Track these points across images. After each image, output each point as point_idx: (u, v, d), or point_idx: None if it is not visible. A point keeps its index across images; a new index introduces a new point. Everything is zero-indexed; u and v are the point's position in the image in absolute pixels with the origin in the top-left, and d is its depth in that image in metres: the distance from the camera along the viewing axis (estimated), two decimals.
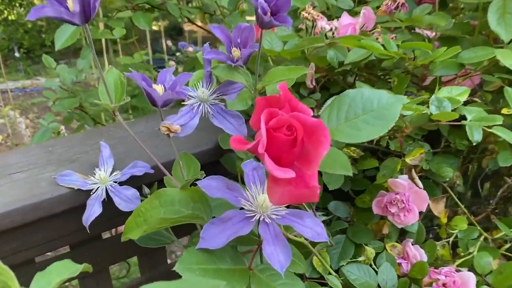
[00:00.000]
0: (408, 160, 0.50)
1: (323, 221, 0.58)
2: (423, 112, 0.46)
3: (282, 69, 0.44)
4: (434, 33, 0.68)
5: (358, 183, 0.64)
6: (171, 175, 0.45)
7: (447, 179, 0.61)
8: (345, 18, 0.66)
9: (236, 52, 0.44)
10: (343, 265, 0.54)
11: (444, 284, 0.48)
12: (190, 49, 4.16)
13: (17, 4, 9.59)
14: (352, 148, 0.59)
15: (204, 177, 0.37)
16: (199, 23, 0.93)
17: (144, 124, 0.69)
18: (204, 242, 0.32)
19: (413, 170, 0.52)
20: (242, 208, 0.35)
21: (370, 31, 0.67)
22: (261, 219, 0.34)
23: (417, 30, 0.70)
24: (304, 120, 0.29)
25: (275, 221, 0.34)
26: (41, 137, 1.18)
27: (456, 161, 0.65)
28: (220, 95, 0.46)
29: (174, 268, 0.30)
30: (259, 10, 0.37)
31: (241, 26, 0.44)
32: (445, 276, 0.48)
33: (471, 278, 0.48)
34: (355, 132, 0.36)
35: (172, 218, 0.33)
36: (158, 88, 0.40)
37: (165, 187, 0.56)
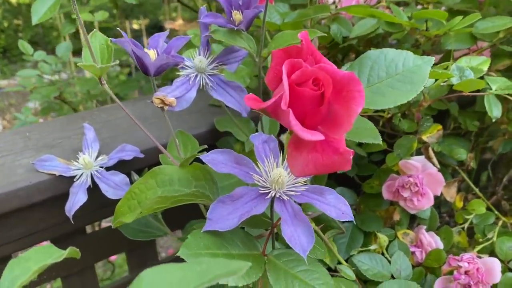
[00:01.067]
0: (425, 137, 0.46)
1: None
2: (442, 83, 0.42)
3: (291, 32, 0.39)
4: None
5: (365, 168, 0.59)
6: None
7: (461, 160, 0.57)
8: None
9: (237, 15, 0.39)
10: (353, 254, 0.49)
11: (466, 272, 0.44)
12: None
13: None
14: None
15: (203, 151, 0.32)
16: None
17: (130, 107, 0.63)
18: (213, 224, 0.27)
19: (430, 149, 0.48)
20: (254, 185, 0.30)
21: (374, 5, 0.63)
22: (276, 196, 0.29)
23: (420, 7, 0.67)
24: (334, 73, 0.24)
25: (293, 198, 0.29)
26: None
27: (466, 144, 0.61)
28: (220, 65, 0.41)
29: (178, 254, 0.25)
30: None
31: None
32: (468, 263, 0.44)
33: (496, 264, 0.44)
34: (379, 97, 0.32)
35: (172, 197, 0.28)
36: (151, 53, 0.35)
37: None
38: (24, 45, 0.90)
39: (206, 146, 0.33)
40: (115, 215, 0.32)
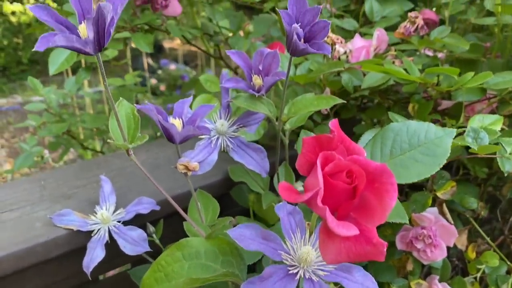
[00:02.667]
0: (439, 194, 0.47)
1: None
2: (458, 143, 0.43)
3: (310, 98, 0.40)
4: (444, 55, 0.66)
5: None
6: (186, 214, 0.39)
7: (472, 209, 0.57)
8: (358, 41, 0.63)
9: (257, 80, 0.40)
10: None
11: None
12: (172, 66, 4.12)
13: None
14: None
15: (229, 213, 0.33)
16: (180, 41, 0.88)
17: (144, 153, 0.63)
18: None
19: (443, 205, 0.48)
20: (281, 262, 0.30)
21: (383, 53, 0.65)
22: (306, 276, 0.29)
23: (427, 51, 0.68)
24: (366, 165, 0.25)
25: (322, 278, 0.29)
26: (24, 162, 1.11)
27: (475, 190, 0.62)
28: (240, 127, 0.42)
29: None
30: (294, 37, 0.33)
31: (264, 52, 0.40)
32: None
33: None
34: (403, 171, 0.33)
35: (203, 279, 0.28)
36: (176, 123, 0.35)
37: (173, 226, 0.51)
38: (33, 82, 0.91)
39: (232, 219, 0.33)
40: (141, 286, 0.32)
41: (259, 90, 0.40)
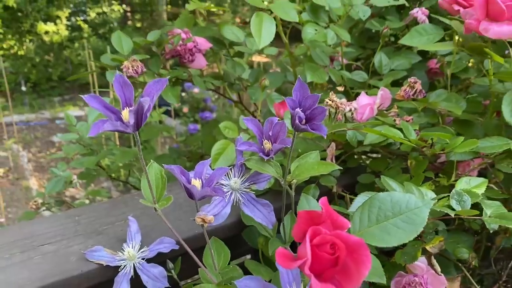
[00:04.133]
0: (428, 248, 0.52)
1: None
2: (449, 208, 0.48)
3: (312, 163, 0.46)
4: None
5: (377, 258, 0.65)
6: (201, 260, 0.46)
7: (464, 258, 0.62)
8: (363, 98, 0.70)
9: (267, 145, 0.47)
10: None
11: None
12: (196, 90, 4.24)
13: (27, 40, 9.83)
14: None
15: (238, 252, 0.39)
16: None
17: (167, 193, 0.71)
18: None
19: (432, 257, 0.54)
20: None
21: (386, 110, 0.71)
22: None
23: None
24: (347, 239, 0.31)
25: None
26: (54, 187, 1.19)
27: (469, 239, 0.67)
28: (251, 184, 0.48)
29: None
30: (296, 119, 0.40)
31: (273, 121, 0.47)
32: None
33: None
34: (386, 235, 0.38)
35: None
36: (196, 183, 0.42)
37: (190, 261, 0.58)
38: (68, 117, 1.00)
39: (238, 269, 0.39)
40: None
41: (268, 154, 0.47)
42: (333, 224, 0.33)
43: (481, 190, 0.51)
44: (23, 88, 9.28)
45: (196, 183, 0.42)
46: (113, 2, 10.01)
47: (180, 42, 0.73)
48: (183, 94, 4.07)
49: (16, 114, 7.08)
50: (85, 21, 9.88)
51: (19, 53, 9.55)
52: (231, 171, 0.49)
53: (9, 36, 9.27)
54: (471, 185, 0.52)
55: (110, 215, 0.64)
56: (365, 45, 1.03)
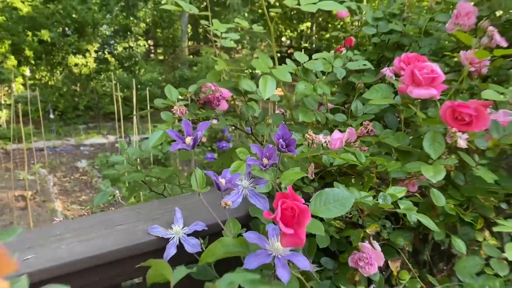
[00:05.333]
0: (368, 231, 0.81)
1: (317, 271, 0.88)
2: (374, 202, 0.78)
3: (292, 172, 0.77)
4: None
5: (341, 245, 0.94)
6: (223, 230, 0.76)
7: (400, 246, 0.91)
8: (336, 134, 1.00)
9: (265, 160, 0.78)
10: None
11: None
12: (214, 121, 4.59)
13: (58, 72, 10.38)
14: (338, 221, 0.90)
15: (246, 231, 0.69)
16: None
17: (196, 197, 1.01)
18: (246, 265, 0.63)
19: (371, 238, 0.82)
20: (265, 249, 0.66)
21: (353, 142, 1.01)
22: (276, 255, 0.65)
23: None
24: (299, 205, 0.61)
25: (284, 257, 0.65)
26: (101, 199, 1.51)
27: (410, 234, 0.95)
28: (255, 185, 0.79)
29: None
30: (279, 145, 0.71)
31: (269, 147, 0.78)
32: None
33: None
34: (328, 212, 0.68)
35: (229, 251, 0.64)
36: (222, 181, 0.73)
37: (214, 239, 0.88)
38: (122, 144, 1.32)
39: (245, 229, 0.69)
40: (202, 258, 0.68)
41: (266, 166, 0.78)
42: (294, 199, 0.63)
43: (401, 195, 0.80)
44: (51, 116, 9.81)
45: (222, 180, 0.73)
46: (139, 37, 10.68)
47: (211, 92, 1.05)
48: None
49: (44, 140, 7.52)
50: (112, 54, 10.54)
51: (50, 83, 10.15)
52: (243, 177, 0.79)
53: (42, 68, 9.92)
54: (396, 191, 0.81)
55: (161, 209, 0.95)
56: (349, 93, 1.35)
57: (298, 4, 1.01)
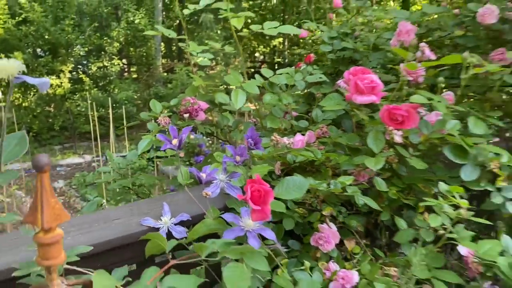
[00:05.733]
0: (324, 213, 0.99)
1: (286, 251, 1.05)
2: (327, 188, 0.96)
3: (260, 167, 0.94)
4: None
5: (305, 229, 1.11)
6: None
7: (354, 228, 1.09)
8: (298, 137, 1.18)
9: (238, 158, 0.95)
10: (293, 271, 0.99)
11: (343, 278, 0.94)
12: (192, 136, 4.74)
13: (31, 93, 10.32)
14: (301, 208, 1.08)
15: (222, 213, 0.86)
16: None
17: (181, 194, 1.17)
18: (224, 237, 0.79)
19: (327, 219, 1.00)
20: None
21: (312, 143, 1.20)
22: (247, 229, 0.81)
23: None
24: (265, 188, 0.79)
25: (254, 230, 0.82)
26: (89, 208, 1.65)
27: (363, 218, 1.14)
28: (230, 178, 0.96)
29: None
30: (248, 144, 0.88)
31: (241, 147, 0.96)
32: (342, 273, 0.94)
33: (355, 274, 0.94)
34: (288, 194, 0.86)
35: (210, 229, 0.81)
36: (203, 175, 0.90)
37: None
38: (110, 155, 1.47)
39: (223, 212, 0.86)
40: (189, 235, 0.85)
41: (238, 162, 0.95)
42: (260, 183, 0.80)
43: (349, 182, 0.98)
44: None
45: (203, 175, 0.90)
46: (113, 57, 10.76)
47: (190, 104, 1.23)
48: None
49: (19, 162, 7.48)
50: (86, 74, 10.57)
51: (23, 104, 10.08)
52: (220, 172, 0.96)
53: (15, 89, 9.85)
54: (344, 179, 0.99)
55: (151, 205, 1.11)
56: (311, 102, 1.54)
57: (262, 28, 1.19)
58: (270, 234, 0.82)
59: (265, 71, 1.28)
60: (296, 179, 0.87)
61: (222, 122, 1.29)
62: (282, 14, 14.49)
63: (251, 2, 15.68)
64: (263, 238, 0.86)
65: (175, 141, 0.83)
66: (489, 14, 1.20)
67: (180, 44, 1.34)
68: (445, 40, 1.49)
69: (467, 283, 1.20)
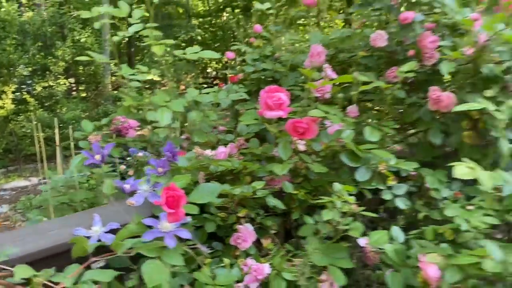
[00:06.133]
0: (240, 214, 1.13)
1: (210, 252, 1.18)
2: (241, 192, 1.10)
3: (181, 176, 1.07)
4: None
5: (227, 231, 1.24)
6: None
7: (269, 227, 1.23)
8: (221, 149, 1.32)
9: (160, 169, 1.07)
10: (214, 268, 1.12)
11: (255, 270, 1.07)
12: (140, 154, 4.79)
13: None
14: (223, 213, 1.21)
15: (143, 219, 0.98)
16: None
17: (112, 207, 1.28)
18: (143, 237, 0.91)
19: (242, 220, 1.14)
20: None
21: (234, 154, 1.34)
22: (165, 231, 0.94)
23: None
24: (178, 194, 0.91)
25: (171, 232, 0.94)
26: (30, 225, 1.70)
27: (279, 219, 1.29)
28: (154, 188, 1.08)
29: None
30: (168, 157, 1.01)
31: (162, 159, 1.08)
32: (255, 267, 1.08)
33: (266, 267, 1.08)
34: (202, 198, 0.99)
35: (132, 233, 0.92)
36: (127, 186, 1.02)
37: None
38: (48, 172, 1.55)
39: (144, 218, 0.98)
40: (115, 238, 0.96)
41: (160, 173, 1.07)
42: (174, 190, 0.93)
43: (259, 186, 1.13)
44: None
45: (127, 186, 1.01)
46: (59, 76, 10.54)
47: (120, 123, 1.34)
48: (128, 158, 4.58)
49: None
50: (30, 94, 10.27)
51: None
52: (144, 183, 1.08)
53: None
54: (256, 184, 1.14)
55: (84, 217, 1.20)
56: (238, 118, 1.69)
57: (184, 53, 1.34)
58: (186, 234, 0.94)
59: (190, 91, 1.42)
60: (209, 185, 1.01)
61: (152, 138, 1.41)
62: (232, 31, 14.78)
63: (201, 19, 15.90)
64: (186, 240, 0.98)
65: (98, 157, 0.95)
66: (379, 39, 1.40)
67: (113, 68, 1.45)
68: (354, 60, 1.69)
69: (373, 271, 1.38)
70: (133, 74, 1.49)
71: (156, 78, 1.51)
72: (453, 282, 0.91)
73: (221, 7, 15.12)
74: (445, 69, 1.23)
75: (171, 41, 1.34)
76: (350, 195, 1.10)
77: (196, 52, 1.34)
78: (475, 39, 1.30)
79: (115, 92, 11.52)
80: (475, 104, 1.06)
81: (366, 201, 1.26)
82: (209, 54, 1.34)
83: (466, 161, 0.95)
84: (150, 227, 0.96)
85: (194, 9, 16.17)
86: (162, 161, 1.06)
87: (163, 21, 12.18)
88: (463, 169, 0.90)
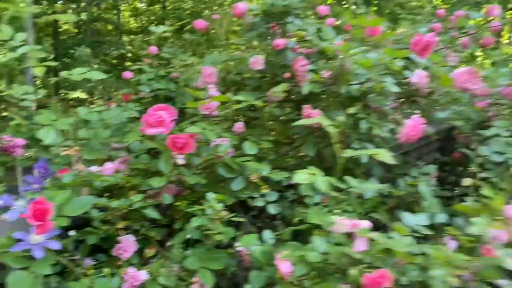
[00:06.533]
0: (119, 226, 1.20)
1: (94, 264, 1.23)
2: (120, 205, 1.17)
3: (59, 192, 1.12)
4: None
5: (111, 243, 1.30)
6: None
7: (153, 237, 1.31)
8: (108, 165, 1.39)
9: (35, 186, 1.12)
10: (94, 278, 1.17)
11: (132, 277, 1.14)
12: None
13: None
14: (105, 226, 1.27)
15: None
16: None
17: None
18: (12, 249, 0.96)
19: (120, 232, 1.21)
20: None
21: (122, 170, 1.41)
22: (33, 243, 0.99)
23: None
24: (43, 207, 0.97)
25: (40, 244, 0.99)
26: None
27: (163, 230, 1.37)
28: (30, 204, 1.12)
29: None
30: (39, 172, 1.06)
31: (36, 176, 1.13)
32: (131, 274, 1.15)
33: (142, 273, 1.15)
34: (72, 211, 1.05)
35: (5, 245, 0.97)
36: (1, 201, 1.05)
37: None
38: None
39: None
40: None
41: (36, 189, 1.12)
42: (43, 203, 0.98)
43: (137, 199, 1.21)
44: None
45: (0, 202, 1.05)
46: None
47: (6, 142, 1.36)
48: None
49: None
50: None
51: None
52: (19, 198, 1.12)
53: None
54: (134, 197, 1.21)
55: None
56: None
57: (71, 74, 1.40)
58: (55, 245, 1.00)
59: (81, 110, 1.48)
60: (82, 198, 1.07)
61: (42, 155, 1.44)
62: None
63: (133, 36, 15.68)
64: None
65: None
66: (257, 62, 1.56)
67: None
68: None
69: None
70: (25, 94, 1.52)
71: (82, 96, 1.55)
72: (300, 274, 1.04)
73: (154, 24, 15.06)
74: (305, 89, 1.40)
75: (54, 63, 1.40)
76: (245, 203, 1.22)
77: (83, 73, 1.40)
78: (339, 63, 1.49)
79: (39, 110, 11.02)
80: (311, 119, 1.23)
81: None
82: (96, 74, 1.41)
83: (312, 168, 1.10)
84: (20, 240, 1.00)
85: (125, 26, 15.96)
86: (36, 178, 1.11)
87: (92, 38, 11.92)
88: (302, 176, 1.04)
